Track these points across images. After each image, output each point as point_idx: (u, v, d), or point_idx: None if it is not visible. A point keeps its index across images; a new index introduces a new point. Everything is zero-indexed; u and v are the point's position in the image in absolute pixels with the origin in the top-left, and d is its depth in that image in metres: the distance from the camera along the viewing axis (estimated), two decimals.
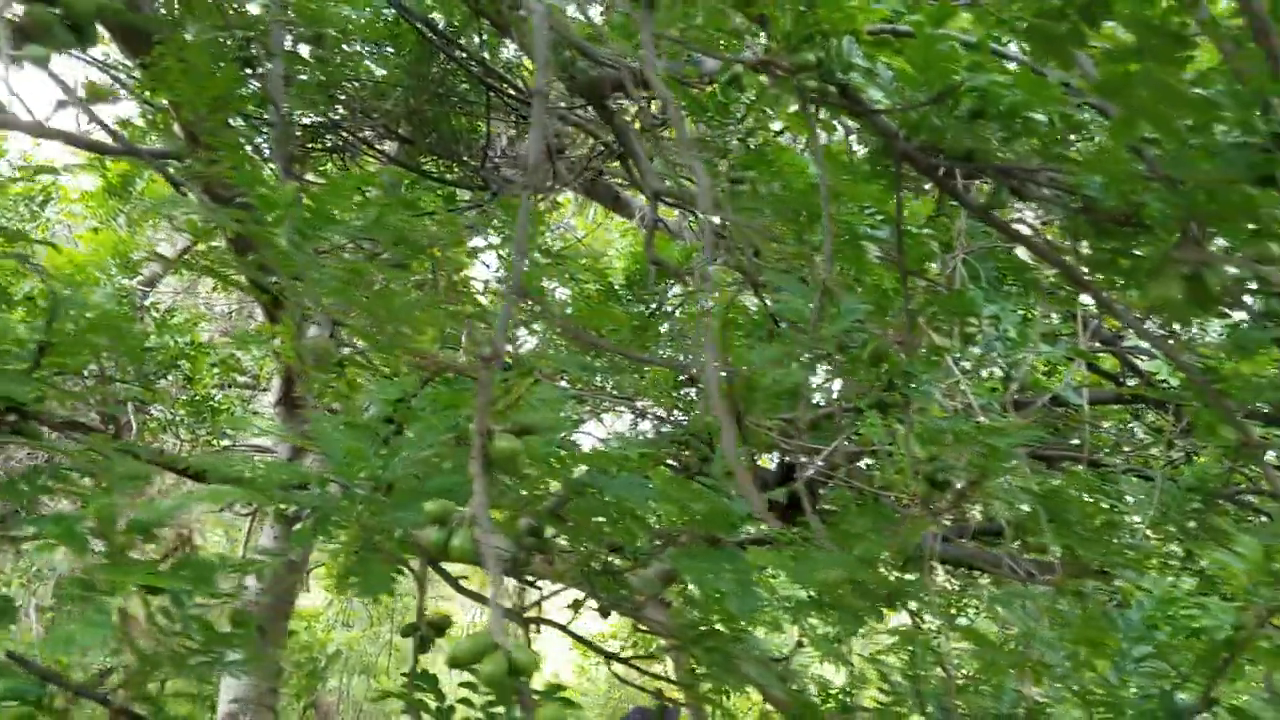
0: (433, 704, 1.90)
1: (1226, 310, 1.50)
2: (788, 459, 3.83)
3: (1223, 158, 1.13)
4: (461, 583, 2.25)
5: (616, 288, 5.65)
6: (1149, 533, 2.85)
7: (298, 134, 4.89)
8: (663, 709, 4.27)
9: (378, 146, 5.41)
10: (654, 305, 5.55)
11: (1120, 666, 1.94)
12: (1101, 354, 3.42)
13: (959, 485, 1.78)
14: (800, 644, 3.48)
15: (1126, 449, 3.75)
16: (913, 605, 3.09)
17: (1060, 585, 2.11)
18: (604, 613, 2.36)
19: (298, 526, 1.98)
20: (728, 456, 2.06)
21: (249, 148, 4.20)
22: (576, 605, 2.20)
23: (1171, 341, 2.77)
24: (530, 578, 2.53)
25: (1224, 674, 1.78)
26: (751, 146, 2.42)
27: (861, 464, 3.83)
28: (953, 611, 2.98)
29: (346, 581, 1.97)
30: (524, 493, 2.16)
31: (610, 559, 2.26)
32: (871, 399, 2.19)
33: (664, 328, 5.68)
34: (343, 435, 2.12)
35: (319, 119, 5.01)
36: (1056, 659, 1.90)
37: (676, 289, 5.68)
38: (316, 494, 1.86)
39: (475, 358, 1.30)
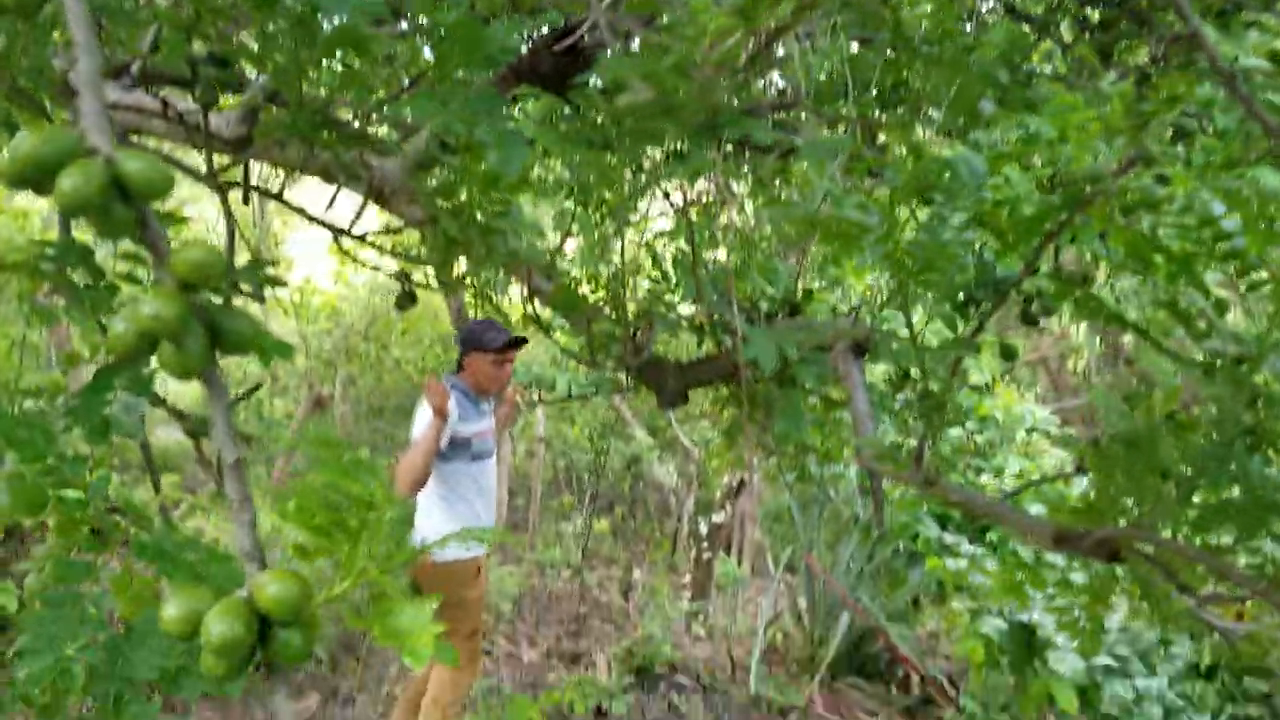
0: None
1: None
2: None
3: None
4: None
5: None
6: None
7: None
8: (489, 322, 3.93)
9: None
10: None
11: (935, 232, 1.71)
12: None
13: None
14: (569, 233, 3.17)
15: None
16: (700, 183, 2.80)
17: (881, 132, 1.82)
18: (328, 177, 1.87)
19: None
20: None
21: None
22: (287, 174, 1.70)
23: None
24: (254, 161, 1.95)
25: (1056, 238, 1.56)
26: None
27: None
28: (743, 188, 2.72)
29: None
30: None
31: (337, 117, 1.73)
32: None
33: None
34: None
35: None
36: (869, 221, 1.64)
37: None
38: None
39: None
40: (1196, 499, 1.50)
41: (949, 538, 5.04)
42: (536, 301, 3.33)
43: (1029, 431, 6.14)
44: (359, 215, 2.02)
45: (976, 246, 1.66)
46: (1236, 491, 1.47)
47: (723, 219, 2.56)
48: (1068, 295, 1.62)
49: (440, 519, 4.01)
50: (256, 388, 1.60)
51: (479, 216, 1.77)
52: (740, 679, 6.05)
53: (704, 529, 7.44)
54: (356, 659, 5.64)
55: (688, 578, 7.40)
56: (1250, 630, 1.87)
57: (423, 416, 3.82)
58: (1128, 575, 1.74)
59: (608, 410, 10.65)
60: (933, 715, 5.57)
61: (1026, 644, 4.22)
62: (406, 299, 2.20)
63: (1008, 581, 1.88)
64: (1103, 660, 4.15)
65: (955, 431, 5.89)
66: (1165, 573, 1.59)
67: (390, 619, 0.71)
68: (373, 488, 0.71)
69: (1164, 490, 1.52)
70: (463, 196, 1.84)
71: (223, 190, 1.63)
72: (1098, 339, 9.32)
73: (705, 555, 7.39)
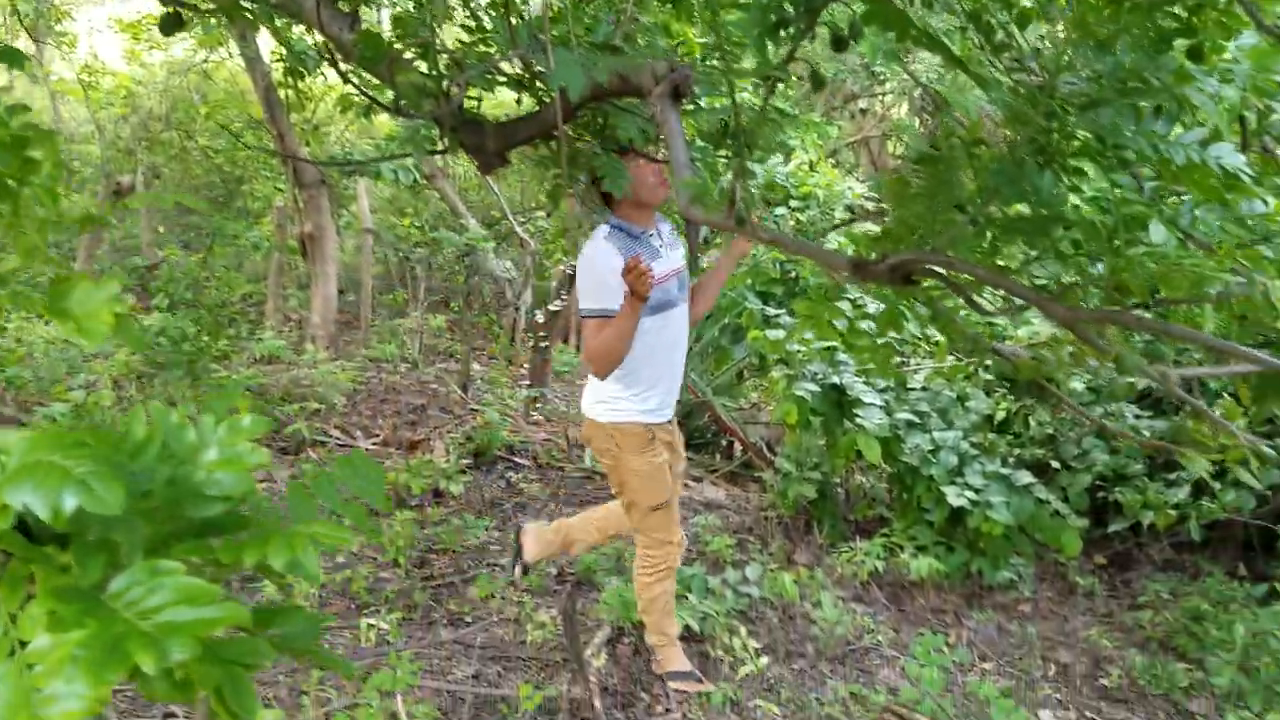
0: None
1: None
2: None
3: None
4: None
5: None
6: None
7: None
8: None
9: None
10: None
11: None
12: None
13: None
14: None
15: None
16: None
17: None
18: None
19: None
20: None
21: None
22: None
23: None
24: None
25: None
26: None
27: None
28: None
29: None
30: None
31: None
32: None
33: None
34: None
35: None
36: None
37: None
38: None
39: None
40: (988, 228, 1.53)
41: (771, 311, 5.19)
42: (340, 60, 3.03)
43: (849, 209, 6.29)
44: None
45: None
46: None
47: None
48: (879, 17, 1.55)
49: (613, 380, 3.31)
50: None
51: None
52: (575, 457, 6.24)
53: (541, 319, 7.43)
54: None
55: (526, 368, 7.45)
56: (1031, 352, 1.99)
57: (589, 281, 3.12)
58: (920, 299, 1.79)
59: (439, 201, 10.25)
60: (752, 477, 5.94)
61: (837, 404, 4.48)
62: (171, 22, 1.91)
63: (811, 311, 1.91)
64: (904, 416, 4.47)
65: (780, 211, 5.97)
66: (956, 293, 1.64)
67: (62, 299, 0.59)
68: (24, 128, 0.57)
69: (958, 219, 1.54)
70: None
71: None
72: (918, 120, 9.52)
73: (543, 344, 7.42)
